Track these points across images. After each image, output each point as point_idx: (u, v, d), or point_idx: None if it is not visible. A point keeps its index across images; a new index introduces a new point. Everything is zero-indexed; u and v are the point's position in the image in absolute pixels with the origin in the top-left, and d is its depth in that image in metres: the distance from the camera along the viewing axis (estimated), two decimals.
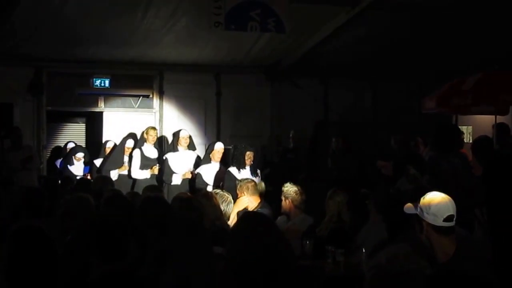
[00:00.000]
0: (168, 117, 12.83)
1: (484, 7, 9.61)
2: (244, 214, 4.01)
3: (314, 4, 10.01)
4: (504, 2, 9.51)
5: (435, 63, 12.11)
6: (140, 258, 4.28)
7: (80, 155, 11.25)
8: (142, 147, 10.20)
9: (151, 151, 10.31)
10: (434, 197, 4.25)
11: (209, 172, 9.66)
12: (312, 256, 6.07)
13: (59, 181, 9.65)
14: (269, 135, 13.21)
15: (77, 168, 11.18)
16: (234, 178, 9.02)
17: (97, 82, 12.35)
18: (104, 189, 7.65)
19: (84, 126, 14.84)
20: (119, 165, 10.35)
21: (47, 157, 12.70)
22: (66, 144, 12.01)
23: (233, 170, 9.23)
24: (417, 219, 4.33)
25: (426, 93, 10.43)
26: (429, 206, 4.21)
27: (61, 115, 14.01)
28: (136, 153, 10.13)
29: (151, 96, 12.89)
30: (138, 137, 10.75)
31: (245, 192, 7.45)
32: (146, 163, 10.08)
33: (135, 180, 10.14)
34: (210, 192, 6.53)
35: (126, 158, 10.42)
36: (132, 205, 5.70)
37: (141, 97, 12.91)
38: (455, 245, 4.19)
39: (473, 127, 12.44)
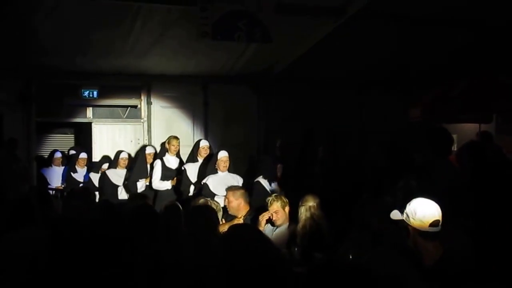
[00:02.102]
0: (156, 127, 12.88)
1: (471, 17, 9.75)
2: (234, 225, 4.05)
3: (300, 15, 10.10)
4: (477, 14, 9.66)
5: (421, 71, 12.23)
6: (131, 264, 4.34)
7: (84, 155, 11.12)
8: (164, 158, 9.83)
9: (172, 162, 9.88)
10: (420, 203, 4.31)
11: (216, 182, 8.84)
12: (300, 262, 6.14)
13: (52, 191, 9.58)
14: (257, 144, 13.27)
15: (80, 175, 10.98)
16: (263, 190, 8.65)
17: (86, 93, 12.38)
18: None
19: (73, 137, 14.80)
20: (145, 175, 9.89)
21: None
22: (51, 153, 11.82)
23: (263, 181, 8.79)
24: (403, 225, 4.41)
25: (413, 100, 10.48)
26: (415, 211, 4.27)
27: (50, 126, 13.98)
28: (158, 164, 9.73)
29: (139, 106, 12.94)
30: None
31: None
32: (167, 173, 9.69)
33: (157, 191, 9.66)
34: (208, 202, 6.52)
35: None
36: (124, 214, 5.77)
37: (129, 108, 12.95)
38: (442, 249, 4.25)
39: (457, 135, 12.51)
